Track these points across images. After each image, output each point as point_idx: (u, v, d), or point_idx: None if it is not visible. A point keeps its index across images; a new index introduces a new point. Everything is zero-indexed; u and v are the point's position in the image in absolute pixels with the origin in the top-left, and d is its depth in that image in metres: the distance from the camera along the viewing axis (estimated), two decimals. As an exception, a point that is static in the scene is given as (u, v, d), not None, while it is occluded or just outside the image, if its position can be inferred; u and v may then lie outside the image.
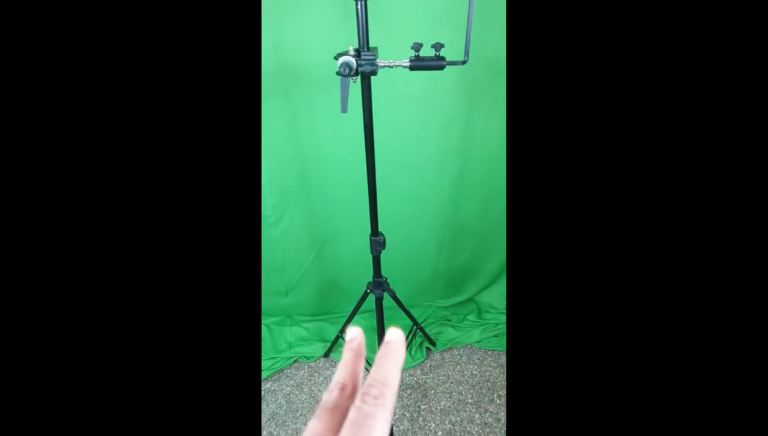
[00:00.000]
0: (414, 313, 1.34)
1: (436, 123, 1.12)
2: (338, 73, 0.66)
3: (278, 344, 1.42)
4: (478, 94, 1.09)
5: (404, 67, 0.69)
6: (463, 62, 0.68)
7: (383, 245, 0.98)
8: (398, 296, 1.16)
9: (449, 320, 1.50)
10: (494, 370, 1.37)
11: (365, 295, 1.13)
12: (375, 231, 0.96)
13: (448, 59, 0.68)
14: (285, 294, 1.44)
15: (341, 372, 0.22)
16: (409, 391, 1.32)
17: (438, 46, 0.66)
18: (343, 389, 0.21)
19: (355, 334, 0.23)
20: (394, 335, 0.21)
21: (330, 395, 0.21)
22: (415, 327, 1.34)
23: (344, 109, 0.68)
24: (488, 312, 1.51)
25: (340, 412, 0.20)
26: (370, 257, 1.02)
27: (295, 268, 1.38)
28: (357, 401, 0.18)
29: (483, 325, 1.47)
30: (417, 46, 0.67)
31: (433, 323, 1.48)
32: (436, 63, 0.67)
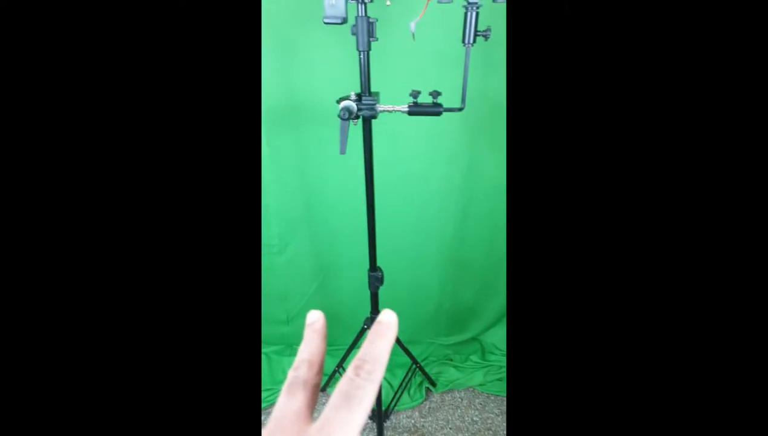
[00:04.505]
0: (415, 350, 1.31)
1: (439, 161, 1.14)
2: (339, 117, 0.68)
3: (276, 375, 1.41)
4: (482, 135, 1.10)
5: (403, 112, 0.71)
6: (460, 109, 0.69)
7: (381, 280, 0.98)
8: (399, 332, 1.13)
9: (451, 359, 1.45)
10: (496, 417, 1.30)
11: (362, 331, 1.12)
12: (373, 266, 0.96)
13: (449, 104, 0.70)
14: (286, 323, 1.44)
15: (306, 350, 0.23)
16: (406, 435, 1.26)
17: (435, 94, 0.69)
18: (310, 366, 0.22)
19: (316, 317, 0.24)
20: (388, 317, 0.22)
21: (297, 371, 0.22)
22: (414, 366, 1.31)
23: (343, 151, 0.71)
24: (492, 353, 1.46)
25: (310, 387, 0.21)
26: (370, 291, 1.02)
27: (297, 297, 1.38)
28: (350, 373, 0.20)
29: (487, 367, 1.41)
30: (415, 94, 0.69)
31: (434, 361, 1.44)
32: (432, 109, 0.69)
